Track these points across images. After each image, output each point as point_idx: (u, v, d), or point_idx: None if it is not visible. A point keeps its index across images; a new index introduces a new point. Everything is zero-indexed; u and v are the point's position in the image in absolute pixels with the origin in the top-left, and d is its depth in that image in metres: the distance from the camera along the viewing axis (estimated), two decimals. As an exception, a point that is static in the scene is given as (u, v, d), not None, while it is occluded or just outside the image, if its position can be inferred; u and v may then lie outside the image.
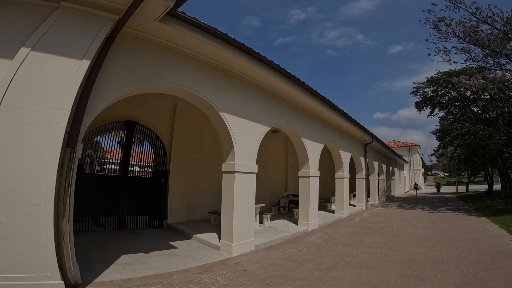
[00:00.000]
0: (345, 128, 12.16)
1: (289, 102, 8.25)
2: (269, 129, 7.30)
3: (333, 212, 12.38)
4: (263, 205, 9.20)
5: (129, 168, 8.70)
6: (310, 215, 8.92)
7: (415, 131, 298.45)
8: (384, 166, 21.70)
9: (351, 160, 15.12)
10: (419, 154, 48.89)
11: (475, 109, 18.48)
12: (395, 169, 28.32)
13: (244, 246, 6.12)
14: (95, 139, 8.53)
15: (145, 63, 4.70)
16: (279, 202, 12.86)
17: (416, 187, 32.49)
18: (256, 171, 6.64)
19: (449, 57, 15.49)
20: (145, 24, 4.38)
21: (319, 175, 9.55)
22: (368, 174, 17.76)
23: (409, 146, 44.14)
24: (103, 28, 3.81)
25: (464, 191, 32.84)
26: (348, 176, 12.53)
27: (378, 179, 21.33)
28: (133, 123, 8.68)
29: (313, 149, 9.36)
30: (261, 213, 9.33)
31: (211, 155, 10.52)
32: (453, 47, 15.59)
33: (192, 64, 5.46)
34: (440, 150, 22.55)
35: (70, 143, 3.67)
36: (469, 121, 16.49)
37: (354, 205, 15.68)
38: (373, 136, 15.27)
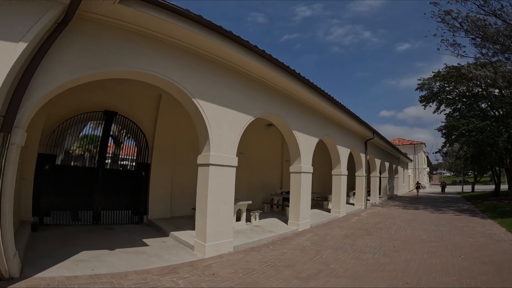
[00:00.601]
0: (343, 122, 11.44)
1: (278, 91, 7.58)
2: (253, 118, 6.69)
3: (329, 211, 11.72)
4: (249, 202, 8.58)
5: (106, 160, 8.18)
6: (301, 214, 8.29)
7: (422, 129, 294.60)
8: (387, 164, 20.92)
9: (351, 156, 14.46)
10: (424, 152, 47.75)
11: (483, 105, 17.60)
12: (399, 167, 27.48)
13: (220, 246, 5.54)
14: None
15: (105, 46, 4.28)
16: (272, 200, 12.23)
17: (418, 186, 30.44)
18: (236, 164, 6.07)
19: (459, 51, 14.67)
20: (106, 7, 3.98)
21: (312, 171, 8.89)
22: (369, 171, 17.04)
23: (414, 144, 43.05)
24: (49, 12, 3.46)
25: (470, 191, 31.87)
26: (346, 173, 11.85)
27: (380, 177, 20.61)
28: (111, 113, 8.21)
29: (306, 143, 8.70)
30: (249, 210, 8.75)
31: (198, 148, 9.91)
32: (462, 42, 14.84)
33: (161, 48, 4.92)
34: (446, 148, 21.54)
35: (4, 127, 3.27)
36: (476, 117, 15.62)
37: (353, 204, 15.02)
38: (374, 132, 14.52)
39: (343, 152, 11.68)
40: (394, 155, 24.45)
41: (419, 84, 19.57)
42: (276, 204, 11.66)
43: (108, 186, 7.84)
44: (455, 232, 8.18)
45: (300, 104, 8.58)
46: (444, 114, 19.68)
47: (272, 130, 12.03)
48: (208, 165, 5.47)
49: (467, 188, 35.07)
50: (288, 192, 12.75)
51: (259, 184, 12.43)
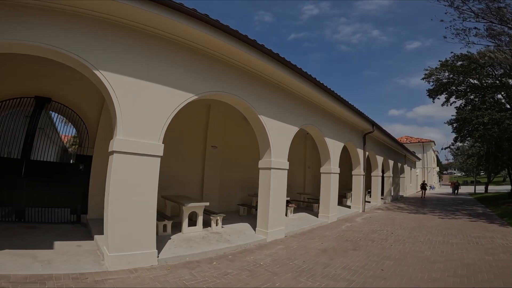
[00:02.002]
0: (331, 110, 9.64)
1: (234, 65, 5.92)
2: (194, 97, 5.12)
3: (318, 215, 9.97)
4: (206, 203, 6.99)
5: (32, 151, 6.71)
6: (271, 221, 6.60)
7: (432, 129, 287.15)
8: (391, 162, 18.97)
9: (347, 153, 12.68)
10: (433, 151, 45.21)
11: (499, 96, 15.49)
12: (405, 166, 25.39)
13: (135, 258, 4.10)
14: None
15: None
16: (252, 201, 10.55)
17: (424, 186, 25.57)
18: (160, 154, 4.54)
19: (469, 37, 12.78)
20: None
21: (287, 168, 7.19)
22: (367, 170, 15.19)
23: (423, 142, 40.69)
24: None
25: (483, 191, 29.55)
26: (338, 171, 10.08)
27: (383, 177, 18.71)
28: (44, 99, 6.95)
29: (279, 132, 7.00)
30: (211, 213, 7.18)
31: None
32: (475, 27, 12.98)
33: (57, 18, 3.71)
34: (457, 144, 19.16)
35: None
36: (492, 108, 13.59)
37: (349, 207, 13.22)
38: (374, 124, 12.68)
39: (334, 147, 9.91)
40: (399, 153, 22.44)
41: (425, 74, 17.47)
42: (254, 207, 9.97)
43: (36, 180, 6.50)
44: (469, 245, 6.37)
45: (264, 81, 6.83)
46: (455, 108, 17.61)
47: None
48: (113, 152, 4.06)
49: (480, 188, 32.68)
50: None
51: (236, 182, 10.78)
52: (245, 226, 7.68)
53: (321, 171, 9.83)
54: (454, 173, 79.12)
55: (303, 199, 13.24)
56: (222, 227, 7.27)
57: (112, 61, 4.11)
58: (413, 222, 10.00)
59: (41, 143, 7.14)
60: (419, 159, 34.34)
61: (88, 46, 3.95)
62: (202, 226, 6.88)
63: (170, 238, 5.94)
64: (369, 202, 15.94)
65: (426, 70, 17.04)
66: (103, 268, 3.97)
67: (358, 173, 12.83)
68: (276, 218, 6.75)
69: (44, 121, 7.30)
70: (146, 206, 4.30)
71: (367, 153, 13.68)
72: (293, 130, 7.52)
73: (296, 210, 11.29)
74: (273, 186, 6.67)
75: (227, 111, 10.23)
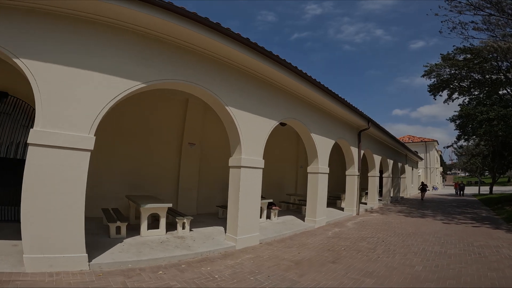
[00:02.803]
0: (319, 104, 8.75)
1: (192, 51, 5.08)
2: (141, 85, 4.38)
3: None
4: (169, 205, 6.27)
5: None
6: (240, 226, 5.78)
7: (436, 129, 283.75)
8: (391, 162, 18.00)
9: (341, 151, 11.80)
10: (437, 151, 44.00)
11: (505, 91, 14.45)
12: (406, 166, 24.34)
13: (58, 262, 3.67)
14: None
15: None
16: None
17: (423, 188, 22.59)
18: (90, 148, 3.94)
19: (468, 32, 11.88)
20: None
21: (262, 166, 6.35)
22: (364, 169, 14.30)
23: (426, 141, 39.53)
24: None
25: (488, 192, 28.41)
26: (327, 171, 9.20)
27: (382, 177, 17.78)
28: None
29: (252, 126, 6.15)
30: (179, 215, 6.38)
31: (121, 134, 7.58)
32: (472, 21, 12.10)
33: None
34: (460, 142, 17.86)
35: None
36: (498, 104, 12.60)
37: (342, 209, 12.32)
38: (369, 121, 11.77)
39: (323, 144, 9.03)
40: (400, 152, 21.44)
41: (425, 71, 16.41)
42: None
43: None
44: (470, 257, 5.47)
45: (241, 72, 6.00)
46: (458, 105, 16.57)
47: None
48: (33, 145, 3.56)
49: (484, 189, 31.51)
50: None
51: (217, 182, 9.93)
52: (217, 230, 6.87)
53: (308, 171, 8.96)
54: (458, 173, 77.64)
55: (293, 200, 12.34)
56: (191, 230, 6.53)
57: (32, 47, 3.63)
58: (409, 227, 9.09)
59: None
60: (421, 159, 33.24)
61: (7, 33, 3.54)
62: (165, 230, 6.12)
63: (121, 242, 5.25)
64: (366, 204, 15.04)
65: (426, 66, 16.02)
66: (21, 269, 3.51)
67: (352, 173, 11.92)
68: (247, 223, 5.91)
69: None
70: (71, 206, 3.70)
71: (362, 151, 12.75)
72: (270, 124, 6.66)
73: (284, 213, 10.47)
74: (244, 187, 5.83)
75: (206, 106, 9.38)
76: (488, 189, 29.33)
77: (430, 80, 16.43)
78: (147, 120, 8.53)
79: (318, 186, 8.65)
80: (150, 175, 8.42)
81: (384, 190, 17.84)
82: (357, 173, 11.91)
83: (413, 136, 42.01)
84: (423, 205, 17.09)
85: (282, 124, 9.18)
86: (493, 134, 12.19)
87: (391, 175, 18.39)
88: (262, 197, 9.56)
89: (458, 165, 63.98)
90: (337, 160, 14.13)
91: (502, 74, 13.48)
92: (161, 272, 4.07)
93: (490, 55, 11.05)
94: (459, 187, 29.05)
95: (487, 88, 14.47)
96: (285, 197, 12.74)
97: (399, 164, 21.32)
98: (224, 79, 5.61)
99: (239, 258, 5.08)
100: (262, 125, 6.43)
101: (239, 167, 5.83)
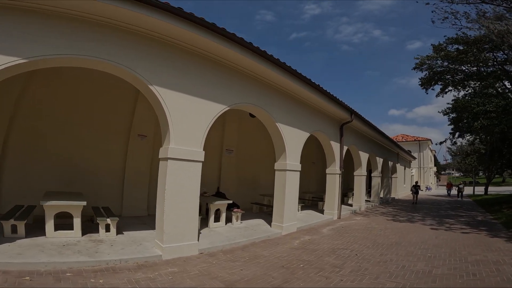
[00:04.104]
0: (290, 90, 7.40)
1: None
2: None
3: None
4: (84, 203, 4.83)
5: None
6: (167, 232, 4.46)
7: (432, 129, 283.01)
8: (380, 160, 16.75)
9: (319, 147, 10.50)
10: (431, 150, 42.90)
11: (501, 83, 13.20)
12: (398, 165, 23.12)
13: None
14: None
15: None
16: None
17: (416, 190, 18.47)
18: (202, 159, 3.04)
19: (460, 21, 10.63)
20: None
21: (202, 159, 5.00)
22: (347, 168, 12.98)
23: (419, 140, 38.39)
24: None
25: (483, 193, 27.31)
26: (298, 169, 7.87)
27: (370, 176, 16.54)
28: None
29: (191, 110, 4.80)
30: (100, 216, 5.09)
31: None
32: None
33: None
34: (454, 138, 16.34)
35: None
36: (495, 96, 11.33)
37: (322, 212, 11.01)
38: (352, 113, 10.44)
39: (293, 136, 7.71)
40: (391, 150, 20.19)
41: (416, 63, 15.08)
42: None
43: None
44: (461, 280, 4.16)
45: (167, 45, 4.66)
46: (452, 100, 15.29)
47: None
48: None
49: (479, 189, 30.41)
50: (218, 193, 8.94)
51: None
52: (154, 235, 5.54)
53: (275, 168, 7.64)
54: (452, 173, 76.88)
55: (267, 202, 10.98)
56: (121, 233, 5.45)
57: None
58: (394, 235, 7.80)
59: None
60: (414, 158, 32.08)
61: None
62: (81, 231, 4.87)
63: (13, 242, 4.30)
64: (351, 205, 13.77)
65: (417, 58, 14.71)
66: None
67: (333, 171, 10.61)
68: (178, 228, 4.62)
69: None
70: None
71: (346, 147, 11.46)
72: (217, 108, 5.30)
73: (255, 216, 9.20)
74: (171, 184, 4.48)
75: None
76: (483, 190, 28.21)
77: (422, 72, 15.18)
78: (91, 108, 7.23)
79: (286, 185, 7.31)
80: (88, 169, 7.11)
81: (373, 190, 16.61)
82: (339, 172, 10.60)
83: (406, 135, 40.89)
84: (414, 208, 15.84)
85: (251, 115, 7.91)
86: (490, 130, 10.90)
87: (380, 175, 17.15)
88: (221, 197, 8.27)
89: (452, 165, 63.14)
90: (323, 158, 12.81)
91: (498, 67, 12.25)
92: (28, 277, 3.20)
93: (487, 39, 9.76)
94: (458, 189, 25.93)
95: (483, 82, 13.23)
96: (259, 198, 11.40)
97: (390, 163, 20.09)
98: (146, 52, 4.27)
99: (156, 272, 3.78)
100: (204, 109, 5.07)
101: (166, 158, 4.49)
